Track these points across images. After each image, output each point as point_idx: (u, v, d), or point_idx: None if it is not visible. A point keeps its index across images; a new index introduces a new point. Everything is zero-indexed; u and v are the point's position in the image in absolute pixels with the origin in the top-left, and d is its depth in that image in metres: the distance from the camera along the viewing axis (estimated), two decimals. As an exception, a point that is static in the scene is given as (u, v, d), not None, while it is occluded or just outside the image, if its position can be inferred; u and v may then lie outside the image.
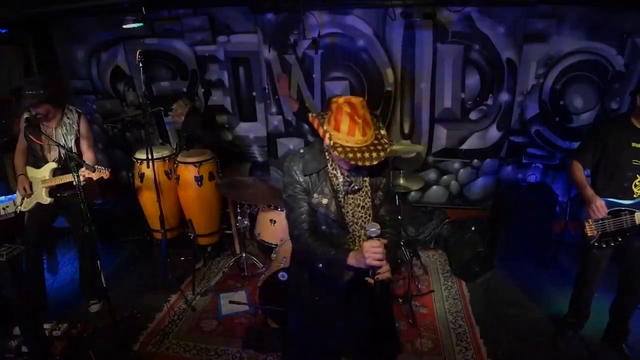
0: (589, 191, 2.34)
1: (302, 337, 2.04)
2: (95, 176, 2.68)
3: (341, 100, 1.60)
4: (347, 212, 1.75)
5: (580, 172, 2.41)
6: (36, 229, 2.96)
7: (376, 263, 1.53)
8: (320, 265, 1.67)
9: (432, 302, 3.27)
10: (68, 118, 2.84)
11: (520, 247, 3.74)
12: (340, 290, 1.83)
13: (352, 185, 1.73)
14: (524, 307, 3.18)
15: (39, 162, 2.85)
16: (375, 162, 1.56)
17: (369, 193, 1.77)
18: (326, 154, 1.74)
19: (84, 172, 2.62)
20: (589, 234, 2.35)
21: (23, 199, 2.90)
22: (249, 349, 2.76)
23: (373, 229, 1.56)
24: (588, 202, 2.33)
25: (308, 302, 1.91)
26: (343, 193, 1.73)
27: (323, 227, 1.74)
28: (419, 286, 3.47)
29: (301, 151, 1.76)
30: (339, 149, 1.56)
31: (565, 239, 3.82)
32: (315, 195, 1.71)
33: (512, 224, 3.71)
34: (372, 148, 1.58)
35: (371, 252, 1.53)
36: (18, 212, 2.97)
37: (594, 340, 2.75)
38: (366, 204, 1.77)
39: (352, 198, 1.75)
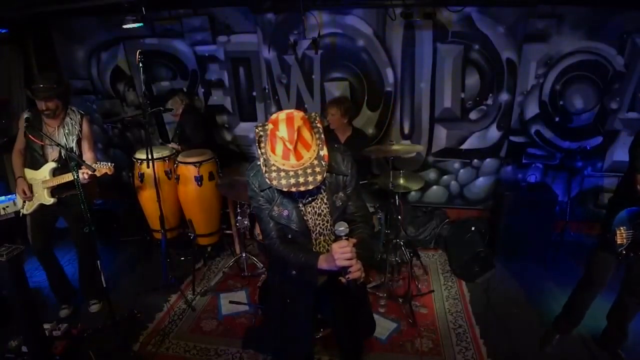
0: None
1: (274, 335, 2.06)
2: (98, 173, 2.69)
3: (281, 117, 1.55)
4: (308, 220, 1.75)
5: None
6: (40, 229, 2.95)
7: (346, 263, 1.52)
8: (294, 271, 1.69)
9: (432, 302, 3.27)
10: (71, 118, 2.84)
11: (520, 247, 3.74)
12: (307, 297, 1.87)
13: (307, 196, 1.72)
14: (524, 307, 3.18)
15: (38, 163, 2.84)
16: (311, 187, 1.53)
17: (324, 199, 1.75)
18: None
19: (85, 171, 2.62)
20: (619, 241, 2.28)
21: (24, 201, 2.89)
22: (249, 349, 2.76)
23: (341, 229, 1.54)
24: None
25: (277, 303, 1.95)
26: (302, 202, 1.73)
27: (289, 236, 1.74)
28: (419, 286, 3.47)
29: (258, 163, 1.69)
30: (274, 174, 1.53)
31: (565, 239, 3.83)
32: (275, 208, 1.70)
33: (512, 224, 3.72)
34: (309, 171, 1.53)
35: (339, 252, 1.52)
36: (21, 214, 2.95)
37: (592, 342, 2.76)
38: (322, 210, 1.75)
39: (311, 206, 1.74)
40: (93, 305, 3.18)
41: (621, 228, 2.28)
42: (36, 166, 2.84)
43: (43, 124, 2.78)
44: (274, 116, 1.57)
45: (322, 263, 1.60)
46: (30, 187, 2.84)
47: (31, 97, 2.69)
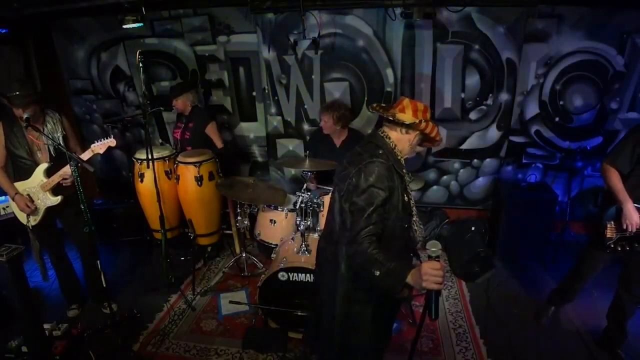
0: (629, 204, 2.27)
1: None
2: (101, 149, 2.80)
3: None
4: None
5: (617, 179, 2.32)
6: (47, 232, 2.93)
7: (434, 287, 1.38)
8: (378, 272, 1.51)
9: (432, 302, 3.27)
10: (51, 118, 2.81)
11: (520, 247, 3.75)
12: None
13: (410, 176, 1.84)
14: (524, 307, 3.18)
15: (28, 170, 2.76)
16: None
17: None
18: (398, 155, 1.76)
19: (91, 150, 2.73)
20: (609, 235, 2.36)
21: (28, 215, 2.80)
22: (249, 349, 2.76)
23: (434, 249, 1.41)
24: (625, 215, 2.28)
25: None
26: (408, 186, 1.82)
27: (398, 229, 1.72)
28: (419, 286, 3.47)
29: (381, 158, 1.67)
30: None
31: (565, 239, 3.83)
32: (405, 194, 1.73)
33: (512, 224, 3.72)
34: None
35: (430, 274, 1.38)
36: (31, 227, 2.85)
37: (593, 342, 2.76)
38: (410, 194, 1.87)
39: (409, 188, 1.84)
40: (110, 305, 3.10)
41: (612, 222, 2.37)
42: (27, 175, 2.76)
43: (24, 131, 2.70)
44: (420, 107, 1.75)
45: (409, 278, 1.45)
46: (30, 198, 2.78)
47: (8, 105, 2.60)
